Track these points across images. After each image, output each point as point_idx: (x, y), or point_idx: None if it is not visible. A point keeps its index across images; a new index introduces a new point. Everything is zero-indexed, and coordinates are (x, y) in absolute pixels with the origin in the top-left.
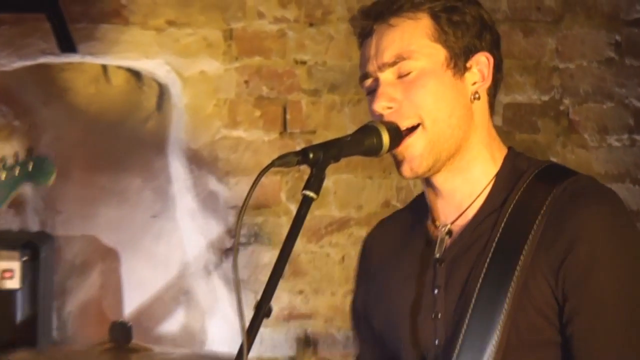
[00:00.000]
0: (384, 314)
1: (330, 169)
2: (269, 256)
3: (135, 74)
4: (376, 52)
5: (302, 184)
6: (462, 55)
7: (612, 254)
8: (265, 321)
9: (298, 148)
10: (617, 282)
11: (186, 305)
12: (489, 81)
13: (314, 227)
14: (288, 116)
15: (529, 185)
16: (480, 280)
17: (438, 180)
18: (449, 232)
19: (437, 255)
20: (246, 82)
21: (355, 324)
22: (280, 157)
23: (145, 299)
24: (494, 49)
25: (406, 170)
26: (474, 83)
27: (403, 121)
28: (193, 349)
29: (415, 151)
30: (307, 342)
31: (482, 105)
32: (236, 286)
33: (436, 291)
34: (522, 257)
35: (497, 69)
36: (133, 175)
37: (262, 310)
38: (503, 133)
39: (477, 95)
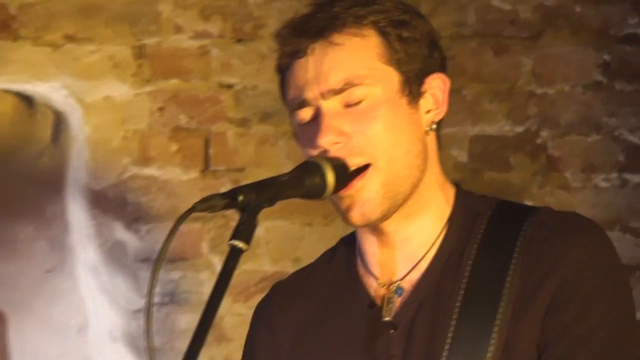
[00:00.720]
0: None
1: (262, 214)
2: (188, 319)
3: (26, 100)
4: (316, 75)
5: (228, 233)
6: (416, 79)
7: (605, 300)
8: None
9: (223, 188)
10: (608, 326)
11: None
12: (444, 108)
13: (242, 284)
14: (211, 151)
15: (489, 228)
16: (447, 346)
17: (389, 227)
18: (398, 290)
19: (387, 319)
20: (161, 109)
21: None
22: (202, 201)
23: None
24: (444, 69)
25: (356, 216)
26: (428, 111)
27: (352, 158)
28: None
29: (368, 194)
30: None
31: (432, 136)
32: (150, 356)
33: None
34: (499, 314)
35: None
36: (24, 222)
37: None
38: (469, 171)
39: (433, 126)
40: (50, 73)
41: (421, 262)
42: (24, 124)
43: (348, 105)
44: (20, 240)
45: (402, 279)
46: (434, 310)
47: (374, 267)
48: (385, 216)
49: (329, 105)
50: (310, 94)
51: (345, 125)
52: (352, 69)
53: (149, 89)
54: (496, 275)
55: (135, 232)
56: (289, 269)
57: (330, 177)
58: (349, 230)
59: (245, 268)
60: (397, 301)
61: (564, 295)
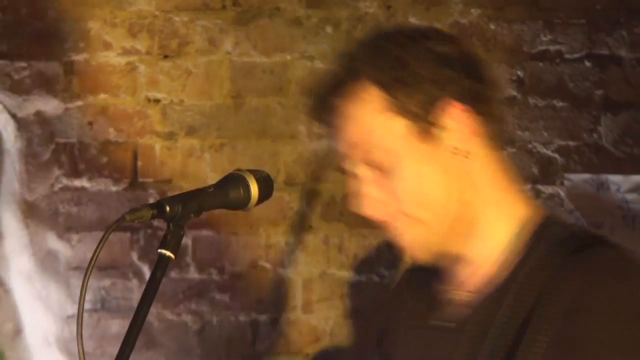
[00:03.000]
0: None
1: (188, 224)
2: (118, 325)
3: None
4: (341, 147)
5: (156, 242)
6: (423, 113)
7: None
8: None
9: (151, 199)
10: None
11: None
12: (467, 127)
13: (169, 291)
14: (139, 163)
15: (545, 258)
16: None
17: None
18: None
19: (447, 318)
20: (90, 123)
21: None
22: (132, 211)
23: None
24: (462, 80)
25: (410, 258)
26: (454, 137)
27: (395, 222)
28: None
29: (408, 241)
30: None
31: (476, 157)
32: None
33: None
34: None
35: (477, 99)
36: None
37: None
38: None
39: (456, 150)
40: None
41: (481, 276)
42: None
43: (374, 168)
44: None
45: (459, 290)
46: (484, 318)
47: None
48: (438, 254)
49: (361, 173)
50: (346, 162)
51: (381, 193)
52: (359, 136)
53: (78, 103)
54: (528, 312)
55: (67, 241)
56: (215, 277)
57: (255, 189)
58: (273, 239)
59: (172, 276)
60: (455, 307)
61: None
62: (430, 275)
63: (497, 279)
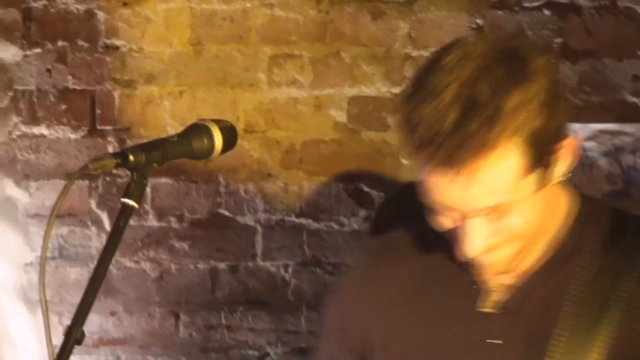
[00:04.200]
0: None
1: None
2: (76, 273)
3: None
4: (461, 201)
5: (115, 189)
6: (549, 165)
7: None
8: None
9: (110, 147)
10: None
11: None
12: (574, 156)
13: (128, 239)
14: (98, 111)
15: (609, 237)
16: (560, 338)
17: None
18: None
19: (492, 303)
20: (49, 71)
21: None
22: (95, 160)
23: None
24: (569, 108)
25: (486, 277)
26: (559, 172)
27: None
28: None
29: (495, 269)
30: None
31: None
32: (43, 308)
33: (494, 342)
34: (616, 316)
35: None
36: None
37: (73, 335)
38: (348, 131)
39: (561, 179)
40: None
41: (532, 255)
42: None
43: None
44: None
45: (509, 273)
46: (543, 303)
47: None
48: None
49: (475, 222)
50: (454, 212)
51: (492, 238)
52: (496, 200)
53: (37, 50)
54: (615, 281)
55: (25, 188)
56: (174, 225)
57: (218, 139)
58: (233, 187)
59: (131, 224)
60: (501, 287)
61: None
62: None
63: (541, 261)
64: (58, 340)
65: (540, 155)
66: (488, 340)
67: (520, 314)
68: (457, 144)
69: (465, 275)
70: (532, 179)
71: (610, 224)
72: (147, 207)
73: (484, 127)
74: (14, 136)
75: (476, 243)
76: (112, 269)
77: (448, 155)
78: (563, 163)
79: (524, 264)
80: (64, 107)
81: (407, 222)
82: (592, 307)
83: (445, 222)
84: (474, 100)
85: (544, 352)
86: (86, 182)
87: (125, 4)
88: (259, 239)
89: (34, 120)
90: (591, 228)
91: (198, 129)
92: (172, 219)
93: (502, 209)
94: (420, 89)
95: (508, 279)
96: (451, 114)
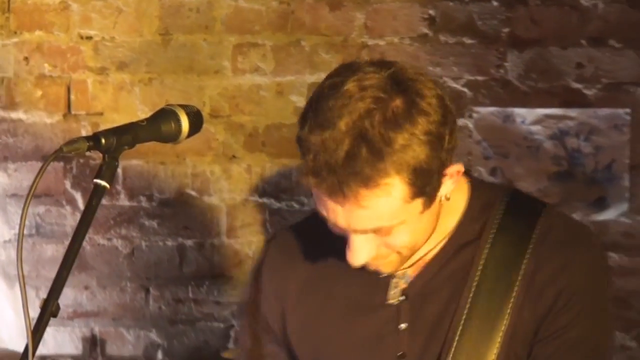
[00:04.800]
0: (324, 351)
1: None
2: (52, 249)
3: None
4: (347, 222)
5: (88, 171)
6: (436, 189)
7: (595, 316)
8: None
9: (84, 131)
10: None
11: None
12: (457, 177)
13: (101, 218)
14: (72, 97)
15: (505, 218)
16: (462, 319)
17: None
18: (404, 277)
19: (399, 291)
20: (26, 59)
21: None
22: (69, 143)
23: None
24: (451, 142)
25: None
26: (443, 192)
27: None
28: None
29: (387, 269)
30: (94, 342)
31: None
32: (21, 283)
33: (402, 328)
34: (512, 298)
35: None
36: None
37: (49, 308)
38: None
39: (446, 197)
40: None
41: (435, 248)
42: None
43: (377, 234)
44: None
45: (411, 265)
46: (447, 287)
47: None
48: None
49: (358, 237)
50: (341, 227)
51: (374, 249)
52: (380, 223)
53: (15, 40)
54: (512, 263)
55: (3, 170)
56: (144, 204)
57: (185, 123)
58: (199, 168)
59: (103, 203)
60: (405, 276)
61: (563, 303)
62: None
63: (436, 252)
64: (35, 312)
65: (423, 185)
66: (398, 326)
67: (425, 301)
68: (344, 178)
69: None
70: (415, 204)
71: (505, 209)
72: (119, 187)
73: (372, 162)
74: None
75: (360, 255)
76: (86, 245)
77: (335, 185)
78: (447, 186)
79: (424, 256)
80: (40, 93)
81: None
82: (492, 292)
83: (335, 229)
84: (365, 135)
85: (448, 336)
86: (61, 164)
87: None
88: (223, 217)
89: (12, 105)
90: (487, 215)
91: (166, 114)
92: (142, 199)
93: (385, 229)
94: (317, 115)
95: (411, 270)
96: (343, 146)
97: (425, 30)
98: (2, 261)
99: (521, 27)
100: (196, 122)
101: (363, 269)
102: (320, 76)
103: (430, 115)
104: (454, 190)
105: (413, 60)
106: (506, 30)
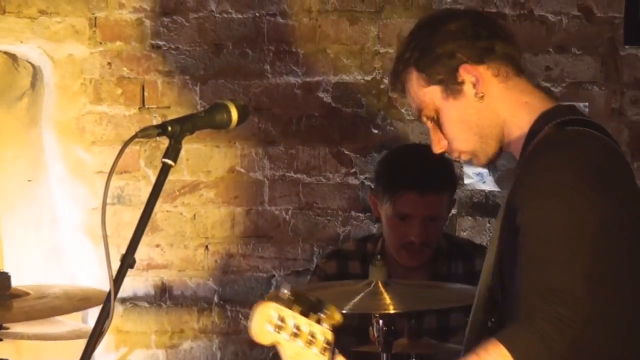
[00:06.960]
0: None
1: (184, 140)
2: (130, 215)
3: (12, 57)
4: (409, 99)
5: (158, 153)
6: (448, 79)
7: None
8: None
9: (154, 122)
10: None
11: (57, 258)
12: (482, 79)
13: (168, 189)
14: (146, 94)
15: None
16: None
17: None
18: None
19: None
20: (109, 64)
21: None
22: (142, 130)
23: (24, 254)
24: (472, 44)
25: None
26: (474, 87)
27: (454, 155)
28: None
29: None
30: (163, 288)
31: (494, 95)
32: (105, 241)
33: None
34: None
35: (486, 54)
36: (10, 145)
37: (127, 261)
38: (332, 109)
39: (480, 95)
40: (29, 37)
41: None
42: (10, 75)
43: (431, 120)
44: (7, 158)
45: None
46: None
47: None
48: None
49: (428, 124)
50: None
51: (440, 136)
52: (415, 101)
53: (100, 49)
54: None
55: (91, 152)
56: (203, 179)
57: (234, 114)
58: (246, 150)
59: (170, 178)
60: None
61: (523, 229)
62: None
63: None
64: (116, 265)
65: (429, 75)
66: None
67: None
68: (394, 72)
69: None
70: (433, 90)
71: (536, 143)
72: (182, 165)
73: (399, 65)
74: (83, 112)
75: (434, 140)
76: (156, 211)
77: (392, 82)
78: (471, 84)
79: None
80: (120, 91)
81: None
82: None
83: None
84: (399, 53)
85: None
86: (137, 147)
87: (166, 14)
88: (266, 189)
89: (98, 101)
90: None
91: (219, 107)
92: (201, 174)
93: (427, 112)
94: None
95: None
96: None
97: None
98: (89, 224)
99: None
100: (244, 113)
101: None
102: (342, 77)
103: (444, 22)
104: (517, 107)
105: None
106: None
